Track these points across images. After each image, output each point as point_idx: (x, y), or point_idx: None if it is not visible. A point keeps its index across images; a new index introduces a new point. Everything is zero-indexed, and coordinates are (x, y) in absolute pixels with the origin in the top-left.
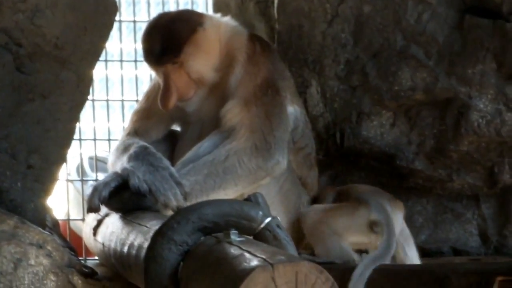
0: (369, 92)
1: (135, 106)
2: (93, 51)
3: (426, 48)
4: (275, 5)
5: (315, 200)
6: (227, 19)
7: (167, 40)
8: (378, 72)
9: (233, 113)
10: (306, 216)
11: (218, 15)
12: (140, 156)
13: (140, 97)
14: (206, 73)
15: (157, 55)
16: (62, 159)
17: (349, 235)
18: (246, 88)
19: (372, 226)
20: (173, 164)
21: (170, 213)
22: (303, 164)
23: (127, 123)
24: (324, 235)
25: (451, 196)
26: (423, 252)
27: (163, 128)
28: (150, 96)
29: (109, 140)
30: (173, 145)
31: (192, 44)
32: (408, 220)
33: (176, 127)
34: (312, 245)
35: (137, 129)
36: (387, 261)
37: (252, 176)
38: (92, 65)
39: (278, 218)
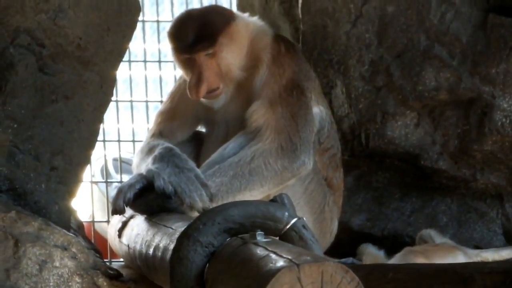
0: (393, 92)
1: (160, 107)
2: (116, 52)
3: (450, 48)
4: (299, 5)
5: None
6: (255, 18)
7: (203, 29)
8: (402, 72)
9: (258, 114)
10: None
11: (246, 14)
12: (165, 158)
13: (165, 98)
14: (236, 68)
15: (191, 43)
16: (86, 160)
17: None
18: (271, 89)
19: None
20: (198, 166)
21: (195, 214)
22: (329, 165)
23: (151, 124)
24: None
25: (475, 195)
26: None
27: (188, 129)
28: (175, 96)
29: (133, 141)
30: (198, 147)
31: (227, 36)
32: (433, 219)
33: (201, 129)
34: None
35: (162, 130)
36: None
37: (278, 177)
38: (115, 65)
39: (304, 218)
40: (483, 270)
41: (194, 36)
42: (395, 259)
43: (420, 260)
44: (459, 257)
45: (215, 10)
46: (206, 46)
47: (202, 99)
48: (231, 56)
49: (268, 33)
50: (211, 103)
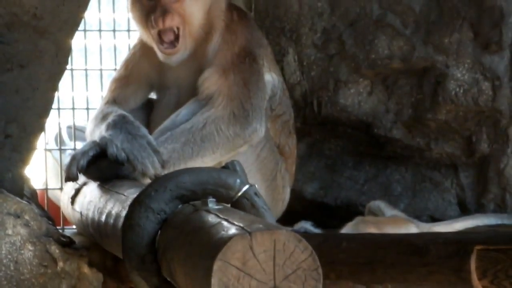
0: (346, 60)
1: (114, 74)
2: (72, 21)
3: (403, 17)
4: None
5: None
6: None
7: None
8: (355, 40)
9: (211, 81)
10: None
11: None
12: (118, 125)
13: (119, 66)
14: (197, 21)
15: None
16: (40, 128)
17: None
18: (224, 57)
19: None
20: (150, 132)
21: (148, 181)
22: (281, 132)
23: (105, 91)
24: None
25: (429, 165)
26: None
27: (141, 96)
28: (129, 64)
29: (87, 109)
30: (150, 114)
31: None
32: (387, 189)
33: (154, 96)
34: None
35: (116, 97)
36: None
37: (230, 144)
38: (70, 34)
39: (256, 186)
40: (437, 240)
41: None
42: (347, 229)
43: (372, 230)
44: (412, 229)
45: None
46: None
47: (161, 54)
48: (195, 6)
49: (223, 1)
50: (169, 58)
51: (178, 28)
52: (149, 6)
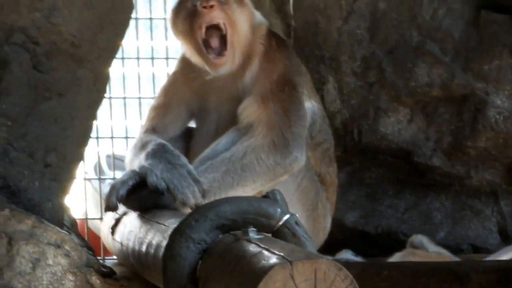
0: (386, 88)
1: (152, 102)
2: (110, 49)
3: (442, 44)
4: (291, 1)
5: None
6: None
7: None
8: (394, 68)
9: (250, 110)
10: None
11: None
12: (157, 154)
13: (157, 93)
14: (242, 31)
15: None
16: (79, 157)
17: None
18: (262, 85)
19: None
20: (190, 160)
21: (188, 211)
22: (322, 160)
23: (144, 119)
24: None
25: (469, 192)
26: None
27: (181, 124)
28: (168, 91)
29: (126, 138)
30: (190, 142)
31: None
32: (427, 217)
33: (193, 124)
34: None
35: (155, 126)
36: None
37: (271, 173)
38: (108, 63)
39: (297, 215)
40: (478, 268)
41: None
42: (395, 258)
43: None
44: None
45: None
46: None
47: (208, 65)
48: (241, 13)
49: (265, 24)
50: (216, 70)
51: (224, 31)
52: (193, 10)
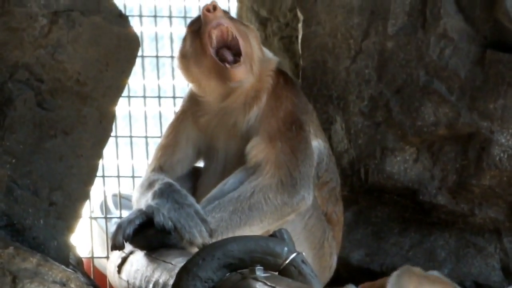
0: (392, 128)
1: (160, 140)
2: (116, 87)
3: (449, 83)
4: (299, 41)
5: None
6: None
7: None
8: (401, 107)
9: (258, 149)
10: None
11: None
12: (165, 193)
13: (164, 131)
14: (257, 54)
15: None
16: (85, 196)
17: None
18: (269, 123)
19: None
20: (198, 199)
21: (195, 250)
22: (328, 199)
23: (151, 158)
24: None
25: (473, 230)
26: None
27: (188, 163)
28: (175, 129)
29: (133, 177)
30: (197, 182)
31: (254, 31)
32: (431, 254)
33: (200, 164)
34: None
35: (162, 165)
36: None
37: (278, 213)
38: (114, 101)
39: (303, 253)
40: None
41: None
42: (393, 278)
43: (414, 283)
44: None
45: None
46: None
47: (225, 73)
48: (248, 30)
49: (275, 60)
50: (234, 75)
51: (234, 37)
52: (198, 28)
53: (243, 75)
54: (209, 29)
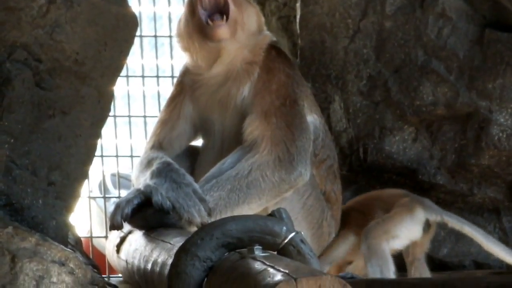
0: (391, 107)
1: (158, 116)
2: (114, 67)
3: (447, 63)
4: (297, 20)
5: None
6: None
7: None
8: (400, 87)
9: (253, 126)
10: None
11: None
12: (163, 173)
13: (162, 107)
14: (249, 27)
15: None
16: (83, 176)
17: (406, 237)
18: (263, 98)
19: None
20: (196, 178)
21: (194, 229)
22: (327, 178)
23: (150, 134)
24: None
25: (472, 209)
26: (444, 265)
27: (186, 139)
28: (173, 105)
29: (131, 156)
30: (195, 161)
31: (253, 5)
32: None
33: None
34: (366, 258)
35: (161, 141)
36: None
37: (276, 189)
38: (113, 80)
39: (302, 233)
40: (481, 284)
41: None
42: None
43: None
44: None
45: None
46: None
47: (207, 30)
48: (252, 16)
49: (269, 36)
50: (215, 32)
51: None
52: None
53: (223, 35)
54: None
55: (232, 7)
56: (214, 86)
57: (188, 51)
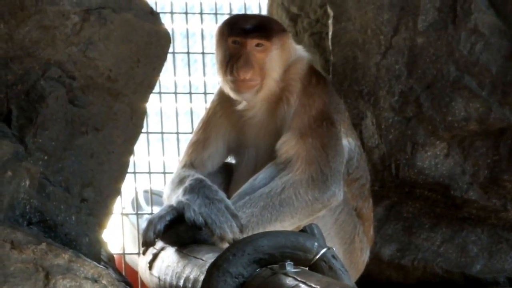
0: (423, 123)
1: (191, 136)
2: (147, 83)
3: (479, 78)
4: (330, 37)
5: None
6: (298, 46)
7: (262, 22)
8: (432, 103)
9: (289, 145)
10: None
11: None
12: (195, 189)
13: (195, 127)
14: (276, 74)
15: (248, 29)
16: (116, 192)
17: None
18: (301, 120)
19: None
20: (229, 196)
21: (226, 246)
22: (358, 196)
23: (182, 154)
24: None
25: (506, 226)
26: (478, 282)
27: (218, 160)
28: (206, 125)
29: (164, 173)
30: (228, 178)
31: (281, 40)
32: (463, 250)
33: (231, 160)
34: None
35: (193, 161)
36: None
37: (309, 208)
38: (145, 97)
39: (334, 248)
40: None
41: (252, 24)
42: None
43: None
44: None
45: (273, 18)
46: (263, 35)
47: (233, 89)
48: (277, 59)
49: (306, 62)
50: (241, 94)
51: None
52: (233, 49)
53: (250, 93)
54: (238, 64)
55: (259, 82)
56: (250, 110)
57: (223, 82)
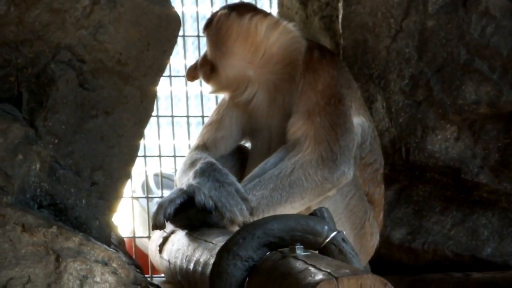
0: (433, 106)
1: (206, 120)
2: (157, 67)
3: (490, 61)
4: (340, 20)
5: None
6: (289, 25)
7: (216, 13)
8: (442, 86)
9: (297, 126)
10: None
11: (283, 20)
12: (206, 172)
13: (206, 113)
14: (225, 61)
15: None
16: (126, 176)
17: None
18: (307, 98)
19: None
20: (242, 180)
21: (236, 229)
22: (370, 181)
23: (192, 139)
24: None
25: None
26: (488, 265)
27: (232, 142)
28: (221, 108)
29: (174, 156)
30: (241, 161)
31: (228, 27)
32: (473, 233)
33: (246, 143)
34: None
35: (206, 141)
36: None
37: (319, 189)
38: (155, 80)
39: (344, 232)
40: None
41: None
42: None
43: None
44: None
45: (240, 5)
46: (207, 25)
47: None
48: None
49: (300, 41)
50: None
51: None
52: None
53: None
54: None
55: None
56: (258, 93)
57: None
